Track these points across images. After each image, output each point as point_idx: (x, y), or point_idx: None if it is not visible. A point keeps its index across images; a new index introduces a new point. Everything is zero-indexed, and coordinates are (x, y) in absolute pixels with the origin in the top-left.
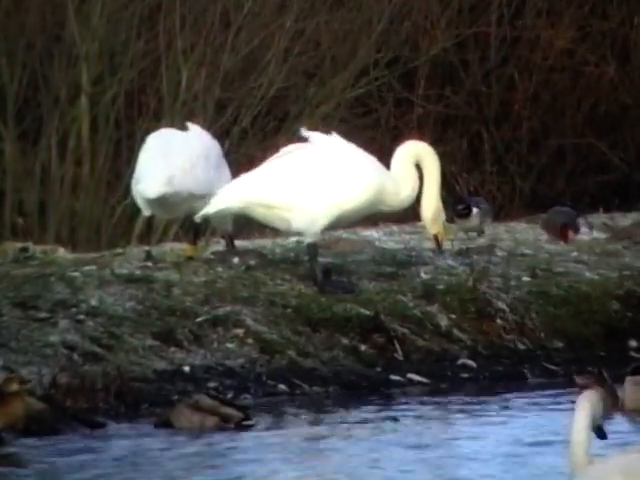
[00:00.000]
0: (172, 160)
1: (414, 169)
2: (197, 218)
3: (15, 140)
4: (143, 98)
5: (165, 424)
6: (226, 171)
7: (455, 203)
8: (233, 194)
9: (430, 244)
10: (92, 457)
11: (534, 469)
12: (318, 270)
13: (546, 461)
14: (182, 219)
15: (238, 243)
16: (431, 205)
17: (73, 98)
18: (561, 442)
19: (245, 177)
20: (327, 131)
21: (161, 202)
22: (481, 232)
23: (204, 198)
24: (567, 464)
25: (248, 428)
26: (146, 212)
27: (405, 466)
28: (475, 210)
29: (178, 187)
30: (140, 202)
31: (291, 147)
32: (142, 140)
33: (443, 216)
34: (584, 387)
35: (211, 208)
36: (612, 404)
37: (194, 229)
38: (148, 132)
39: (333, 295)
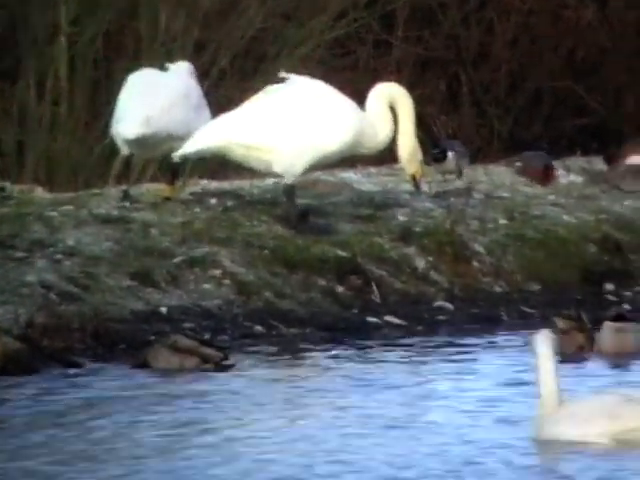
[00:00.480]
0: (150, 100)
1: (389, 110)
2: (175, 157)
3: None
4: (122, 38)
5: (143, 365)
6: (206, 112)
7: (431, 147)
8: (212, 134)
9: (408, 187)
10: (66, 396)
11: (505, 411)
12: (295, 212)
13: (517, 404)
14: (160, 159)
15: (215, 184)
16: (407, 145)
17: (51, 38)
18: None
19: (224, 117)
20: (306, 72)
21: (140, 142)
22: (459, 174)
23: (183, 138)
24: (538, 408)
25: (227, 368)
26: (124, 151)
27: (379, 407)
28: (451, 154)
29: (156, 127)
30: (119, 142)
31: (271, 88)
32: (121, 81)
33: (420, 156)
34: (565, 331)
35: (189, 147)
36: (588, 347)
37: (172, 169)
38: (127, 72)
39: (310, 237)
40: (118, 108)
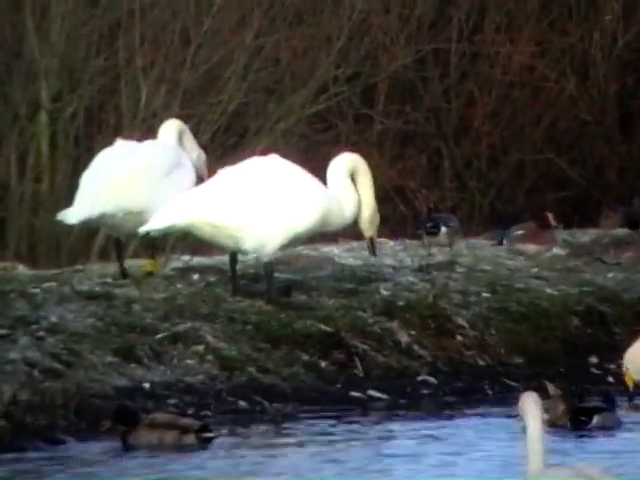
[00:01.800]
0: (102, 178)
1: (351, 184)
2: (141, 232)
3: None
4: (103, 115)
5: (124, 442)
6: (185, 175)
7: (425, 221)
8: (178, 211)
9: (390, 261)
10: (50, 476)
11: None
12: (274, 289)
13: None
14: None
15: (197, 260)
16: (367, 208)
17: (33, 114)
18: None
19: (190, 194)
20: (286, 147)
21: (97, 224)
22: (451, 248)
23: (151, 212)
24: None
25: (208, 440)
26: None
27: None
28: (444, 228)
29: (106, 208)
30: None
31: (231, 168)
32: None
33: (377, 220)
34: (552, 397)
35: (155, 224)
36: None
37: (150, 244)
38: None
39: (293, 312)
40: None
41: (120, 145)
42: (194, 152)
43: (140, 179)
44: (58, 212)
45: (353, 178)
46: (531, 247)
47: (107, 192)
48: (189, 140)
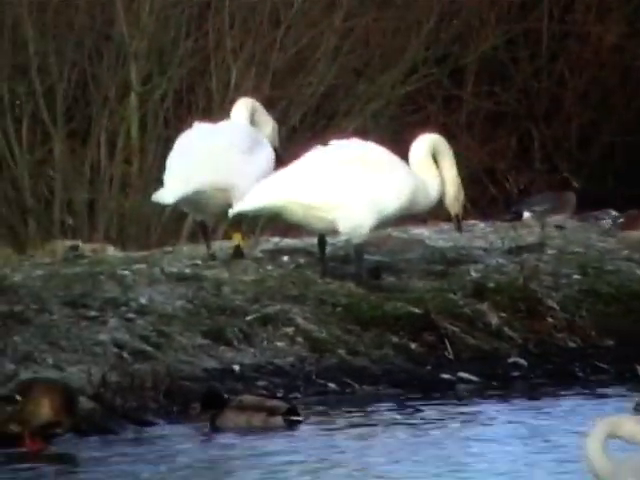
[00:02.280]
0: (190, 158)
1: (434, 166)
2: (231, 213)
3: (64, 139)
4: (192, 97)
5: (212, 425)
6: (264, 153)
7: (512, 205)
8: (270, 192)
9: (481, 242)
10: (139, 457)
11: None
12: (364, 271)
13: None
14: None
15: (288, 241)
16: (452, 186)
17: (122, 97)
18: None
19: (282, 175)
20: (376, 128)
21: (189, 203)
22: (542, 229)
23: (238, 190)
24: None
25: (297, 423)
26: (190, 212)
27: (454, 469)
28: (527, 214)
29: (199, 185)
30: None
31: (321, 148)
32: None
33: (462, 197)
34: None
35: (245, 205)
36: None
37: (240, 225)
38: None
39: (382, 294)
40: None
41: (199, 127)
42: (268, 126)
43: (226, 156)
44: (148, 194)
45: (435, 158)
46: (634, 233)
47: (197, 170)
48: (262, 115)
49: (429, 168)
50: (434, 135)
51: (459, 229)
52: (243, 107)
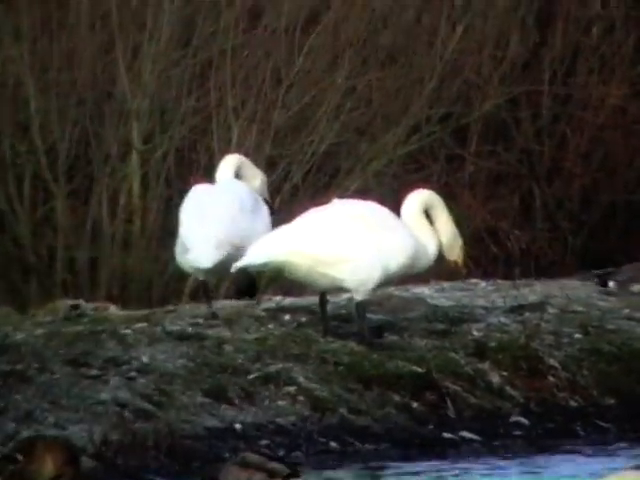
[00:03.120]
0: (215, 220)
1: (427, 223)
2: (233, 270)
3: (66, 197)
4: (194, 155)
5: None
6: (262, 211)
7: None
8: (276, 245)
9: (483, 301)
10: None
11: None
12: (366, 329)
13: None
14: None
15: (289, 300)
16: (446, 233)
17: (124, 155)
18: None
19: (288, 228)
20: (378, 187)
21: (216, 268)
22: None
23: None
24: None
25: None
26: (200, 276)
27: None
28: (611, 283)
29: (229, 248)
30: (191, 270)
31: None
32: None
33: (460, 241)
34: None
35: (250, 259)
36: None
37: (249, 282)
38: None
39: (384, 352)
40: (181, 235)
41: (202, 189)
42: (256, 179)
43: (241, 217)
44: (150, 253)
45: (429, 214)
46: None
47: (224, 232)
48: (249, 168)
49: (423, 226)
50: (424, 191)
51: (459, 273)
52: (230, 163)
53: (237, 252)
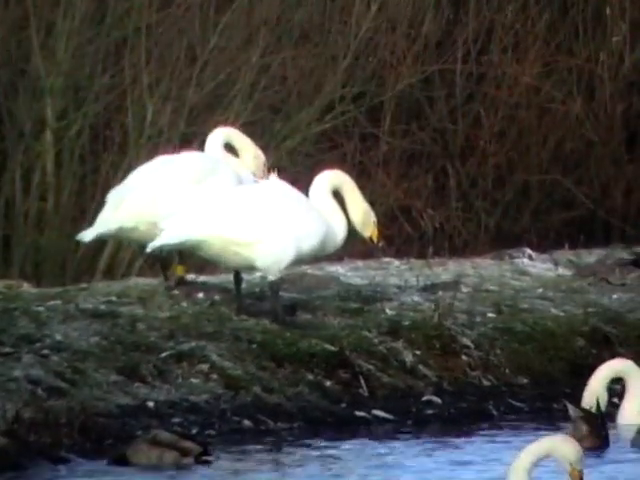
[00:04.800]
0: (123, 192)
1: (336, 205)
2: (149, 249)
3: None
4: (108, 132)
5: (122, 460)
6: (219, 188)
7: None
8: (191, 226)
9: (396, 280)
10: None
11: None
12: (280, 308)
13: None
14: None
15: (202, 278)
16: (358, 210)
17: (38, 132)
18: None
19: (202, 209)
20: (292, 165)
21: (116, 237)
22: None
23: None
24: None
25: (207, 463)
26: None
27: None
28: None
29: (124, 222)
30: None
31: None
32: (107, 175)
33: (373, 217)
34: (576, 418)
35: (165, 239)
36: (591, 443)
37: (161, 260)
38: (112, 166)
39: (297, 331)
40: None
41: (156, 160)
42: (248, 153)
43: (162, 189)
44: (63, 230)
45: (338, 195)
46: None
47: (127, 205)
48: (239, 142)
49: (331, 207)
50: (332, 172)
51: (377, 249)
52: (217, 136)
53: (145, 224)
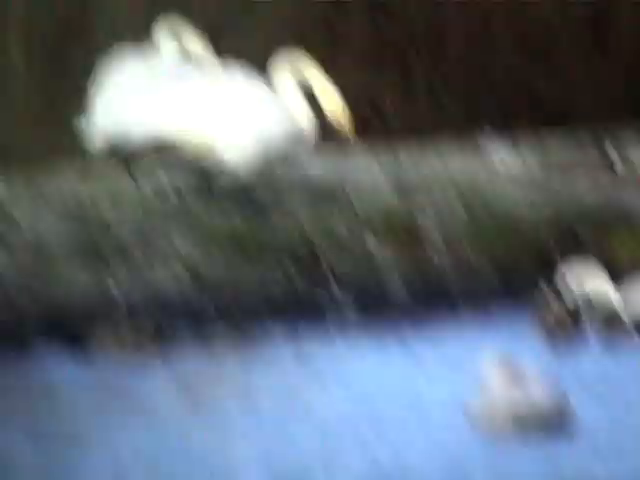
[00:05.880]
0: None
1: (302, 97)
2: (111, 142)
3: None
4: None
5: (84, 348)
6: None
7: None
8: (147, 120)
9: (361, 165)
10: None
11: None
12: (243, 198)
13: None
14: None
15: (169, 170)
16: (330, 100)
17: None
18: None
19: (158, 102)
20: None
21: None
22: None
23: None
24: None
25: (169, 345)
26: None
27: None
28: None
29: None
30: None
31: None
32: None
33: (340, 104)
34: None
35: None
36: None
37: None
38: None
39: (260, 214)
40: None
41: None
42: (196, 44)
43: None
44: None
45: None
46: None
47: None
48: (188, 34)
49: (298, 100)
50: (292, 56)
51: (350, 136)
52: (165, 30)
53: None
